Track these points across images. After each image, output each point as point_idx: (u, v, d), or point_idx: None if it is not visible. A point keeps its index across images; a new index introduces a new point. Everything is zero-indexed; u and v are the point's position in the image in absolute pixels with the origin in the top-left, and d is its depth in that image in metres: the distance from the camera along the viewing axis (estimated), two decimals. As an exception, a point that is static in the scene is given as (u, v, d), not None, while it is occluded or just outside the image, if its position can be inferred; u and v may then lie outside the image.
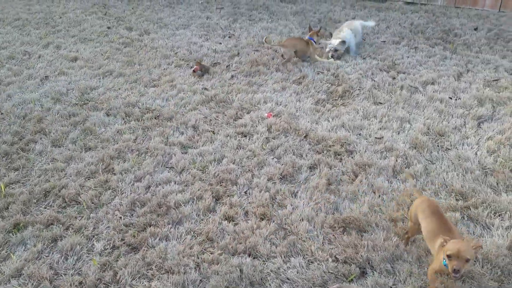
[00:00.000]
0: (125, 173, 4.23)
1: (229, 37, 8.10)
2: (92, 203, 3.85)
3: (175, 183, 4.09)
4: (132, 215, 3.70)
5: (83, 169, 4.30)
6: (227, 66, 6.74)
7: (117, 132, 4.96)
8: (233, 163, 4.37)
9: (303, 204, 3.76)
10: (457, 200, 3.74)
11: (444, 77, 6.08)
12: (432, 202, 3.04)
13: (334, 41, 6.79)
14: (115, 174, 4.23)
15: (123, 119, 5.27)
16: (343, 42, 6.72)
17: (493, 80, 5.91)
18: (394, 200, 3.76)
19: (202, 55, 7.20)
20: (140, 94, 5.89)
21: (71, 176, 4.21)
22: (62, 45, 7.77)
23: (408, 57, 6.87)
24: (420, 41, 7.55)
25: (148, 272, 3.16)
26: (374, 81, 6.03)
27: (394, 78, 6.12)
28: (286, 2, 10.48)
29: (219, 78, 6.34)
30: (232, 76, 6.37)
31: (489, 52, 6.95)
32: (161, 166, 4.37)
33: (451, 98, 5.49)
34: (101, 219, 3.65)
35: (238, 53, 7.22)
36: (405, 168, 4.19)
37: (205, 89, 6.00)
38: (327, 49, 6.86)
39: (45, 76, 6.47)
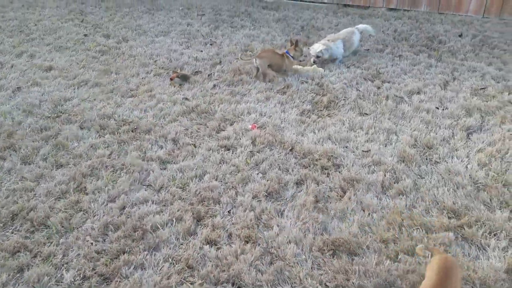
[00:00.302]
0: (98, 192, 3.95)
1: (211, 44, 7.88)
2: (62, 226, 3.56)
3: (152, 202, 3.83)
4: (104, 240, 3.42)
5: (54, 188, 4.00)
6: (208, 75, 6.51)
7: (91, 146, 4.68)
8: (216, 180, 4.14)
9: (290, 224, 3.54)
10: (449, 218, 3.56)
11: (430, 86, 5.96)
12: (448, 261, 2.68)
13: (317, 46, 6.62)
14: (87, 193, 3.94)
15: (98, 132, 4.98)
16: (323, 51, 6.56)
17: (480, 89, 5.81)
18: (385, 218, 3.58)
19: (183, 63, 6.96)
20: (117, 105, 5.62)
21: (40, 197, 3.91)
22: (37, 54, 7.44)
23: (392, 65, 6.73)
24: (404, 49, 7.44)
25: (122, 306, 2.90)
26: (359, 90, 5.87)
27: (379, 88, 5.97)
28: (268, 9, 10.31)
29: (201, 87, 6.10)
30: (214, 86, 6.14)
31: (474, 59, 6.87)
32: (138, 183, 4.10)
33: (438, 108, 5.35)
34: (71, 245, 3.36)
35: (220, 62, 7.00)
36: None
37: (186, 99, 5.75)
38: (311, 52, 6.70)
39: (17, 87, 6.14)
